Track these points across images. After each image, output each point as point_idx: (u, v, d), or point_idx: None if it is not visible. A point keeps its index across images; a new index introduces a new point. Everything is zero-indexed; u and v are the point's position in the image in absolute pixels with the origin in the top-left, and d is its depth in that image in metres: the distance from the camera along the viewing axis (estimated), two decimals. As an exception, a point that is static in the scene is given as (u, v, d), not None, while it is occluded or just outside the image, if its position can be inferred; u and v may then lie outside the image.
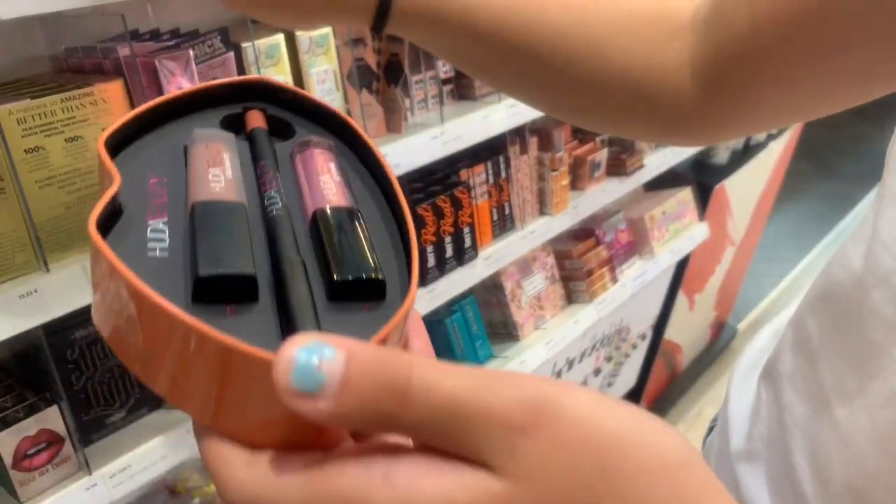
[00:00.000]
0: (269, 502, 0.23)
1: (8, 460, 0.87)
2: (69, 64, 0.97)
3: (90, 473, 0.93)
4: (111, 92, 0.85)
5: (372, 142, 0.32)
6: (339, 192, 0.29)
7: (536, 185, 1.54)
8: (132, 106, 0.88)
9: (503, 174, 1.46)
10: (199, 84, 0.34)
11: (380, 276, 0.27)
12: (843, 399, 0.37)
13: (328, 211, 0.29)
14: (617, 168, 1.72)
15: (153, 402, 1.05)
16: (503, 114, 1.34)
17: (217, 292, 0.25)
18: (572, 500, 0.22)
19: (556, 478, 0.22)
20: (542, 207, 1.56)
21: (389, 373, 0.22)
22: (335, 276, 0.27)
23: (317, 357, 0.21)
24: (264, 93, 0.35)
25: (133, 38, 0.96)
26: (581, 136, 1.72)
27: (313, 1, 0.46)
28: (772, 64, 0.43)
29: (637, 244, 1.89)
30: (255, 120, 0.34)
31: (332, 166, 0.31)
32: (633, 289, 1.81)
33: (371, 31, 0.49)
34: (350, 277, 0.27)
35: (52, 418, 0.91)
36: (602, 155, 1.68)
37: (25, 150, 0.80)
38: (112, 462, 0.95)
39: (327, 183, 0.29)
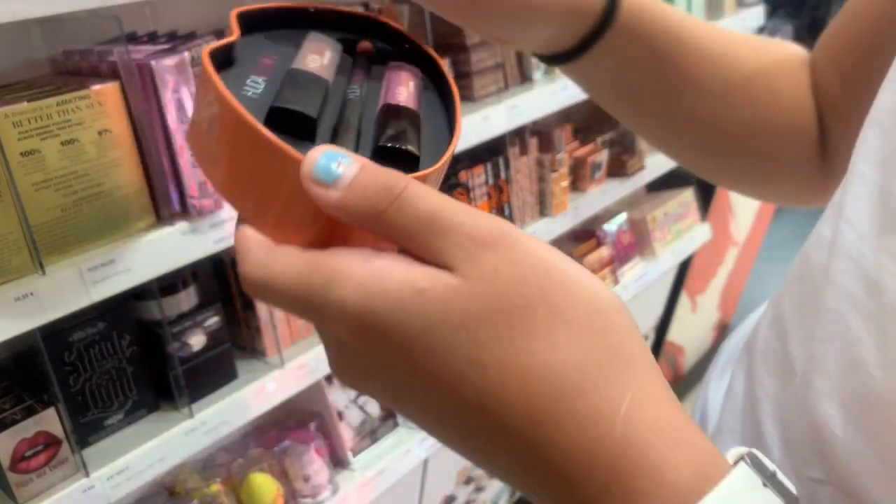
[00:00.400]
0: (275, 274, 0.28)
1: (5, 462, 0.88)
2: (67, 66, 0.97)
3: (88, 475, 0.94)
4: (107, 94, 0.85)
5: (453, 81, 0.37)
6: (409, 100, 0.35)
7: (536, 186, 1.54)
8: (128, 108, 0.88)
9: (503, 175, 1.46)
10: (325, 5, 0.39)
11: (416, 153, 0.32)
12: (805, 368, 0.39)
13: (393, 105, 0.34)
14: (618, 169, 1.71)
15: (151, 404, 1.06)
16: (503, 115, 1.34)
17: (284, 124, 0.30)
18: (511, 305, 0.27)
19: (502, 285, 0.27)
20: (543, 209, 1.56)
21: (390, 180, 0.28)
22: (380, 142, 0.32)
23: (337, 161, 0.28)
24: (376, 28, 0.40)
25: (130, 41, 0.96)
26: (582, 137, 1.72)
27: (536, 6, 0.43)
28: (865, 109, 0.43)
29: (639, 245, 1.89)
30: (364, 47, 0.39)
31: (412, 84, 0.36)
32: (634, 290, 1.80)
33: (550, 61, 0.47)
34: (390, 145, 0.32)
35: (49, 420, 0.91)
36: (603, 156, 1.67)
37: (21, 153, 0.80)
38: (110, 464, 0.96)
39: (402, 92, 0.35)
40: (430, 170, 0.31)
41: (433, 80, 0.38)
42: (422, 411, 0.29)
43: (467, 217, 0.28)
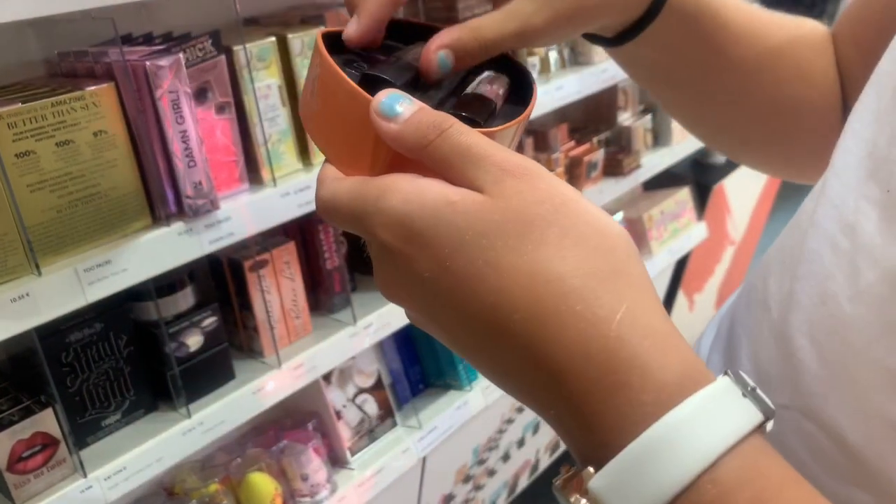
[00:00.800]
0: (339, 193, 0.35)
1: (3, 463, 0.88)
2: (62, 68, 0.97)
3: (85, 476, 0.94)
4: (102, 96, 0.86)
5: (536, 85, 0.42)
6: (489, 93, 0.40)
7: (533, 185, 1.54)
8: (123, 109, 0.89)
9: (499, 175, 1.46)
10: (433, 23, 0.44)
11: (480, 123, 0.37)
12: (781, 303, 0.42)
13: (472, 93, 0.40)
14: (614, 168, 1.72)
15: (149, 404, 1.06)
16: (498, 114, 1.34)
17: (374, 89, 0.36)
18: (528, 221, 0.31)
19: (522, 204, 0.31)
20: (539, 208, 1.56)
21: (439, 119, 0.33)
22: (453, 110, 0.37)
23: (399, 102, 0.34)
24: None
25: (126, 42, 0.96)
26: (578, 136, 1.72)
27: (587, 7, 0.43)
28: None
29: (635, 244, 1.89)
30: None
31: (497, 85, 0.41)
32: (631, 288, 1.80)
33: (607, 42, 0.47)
34: (463, 114, 0.36)
35: (46, 421, 0.92)
36: (598, 155, 1.67)
37: (16, 155, 0.80)
38: (107, 464, 0.96)
39: (488, 91, 0.40)
40: (487, 129, 0.36)
41: (523, 87, 0.43)
42: (445, 317, 0.33)
43: (500, 152, 0.33)
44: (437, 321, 0.34)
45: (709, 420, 0.29)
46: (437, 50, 0.38)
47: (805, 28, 0.54)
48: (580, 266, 0.31)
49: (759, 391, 0.30)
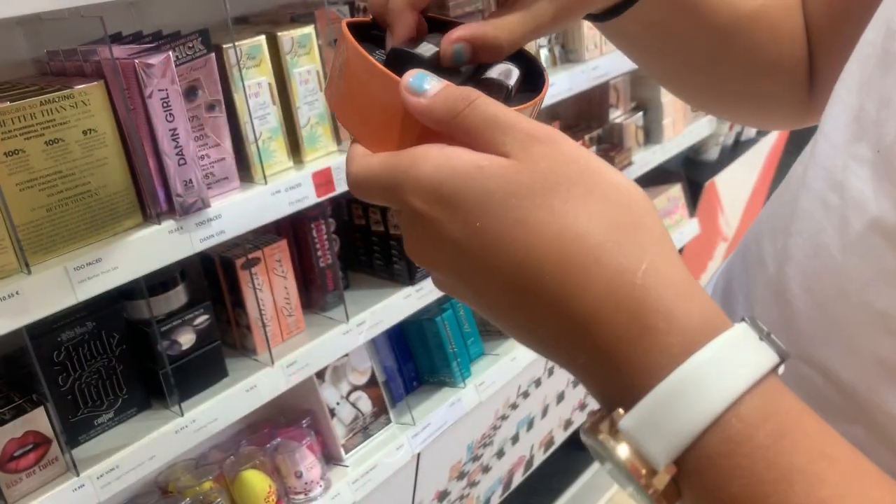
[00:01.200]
0: (370, 167, 0.37)
1: (-6, 462, 0.88)
2: (51, 67, 0.97)
3: (78, 474, 0.94)
4: (91, 94, 0.86)
5: (547, 75, 0.44)
6: (505, 79, 0.42)
7: (525, 182, 1.54)
8: (113, 107, 0.89)
9: (491, 172, 1.46)
10: (450, 17, 0.46)
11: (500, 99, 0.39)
12: (776, 259, 0.45)
13: (489, 78, 0.42)
14: (606, 164, 1.72)
15: (141, 403, 1.06)
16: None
17: (399, 68, 0.38)
18: (554, 181, 0.33)
19: (549, 165, 0.33)
20: (531, 204, 1.56)
21: (466, 92, 0.35)
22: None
23: (427, 80, 0.36)
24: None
25: (115, 41, 0.96)
26: (570, 133, 1.72)
27: None
28: (850, 44, 0.47)
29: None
30: None
31: (512, 72, 0.43)
32: (624, 285, 1.81)
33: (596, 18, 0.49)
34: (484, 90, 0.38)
35: (38, 420, 0.92)
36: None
37: (5, 153, 0.80)
38: (100, 463, 0.96)
39: (503, 77, 0.42)
40: (522, 104, 0.38)
41: (533, 76, 0.45)
42: (475, 278, 0.34)
43: (525, 121, 0.35)
44: (467, 283, 0.35)
45: (731, 361, 0.31)
46: (457, 41, 0.40)
47: None
48: (604, 221, 0.33)
49: (773, 336, 0.32)
